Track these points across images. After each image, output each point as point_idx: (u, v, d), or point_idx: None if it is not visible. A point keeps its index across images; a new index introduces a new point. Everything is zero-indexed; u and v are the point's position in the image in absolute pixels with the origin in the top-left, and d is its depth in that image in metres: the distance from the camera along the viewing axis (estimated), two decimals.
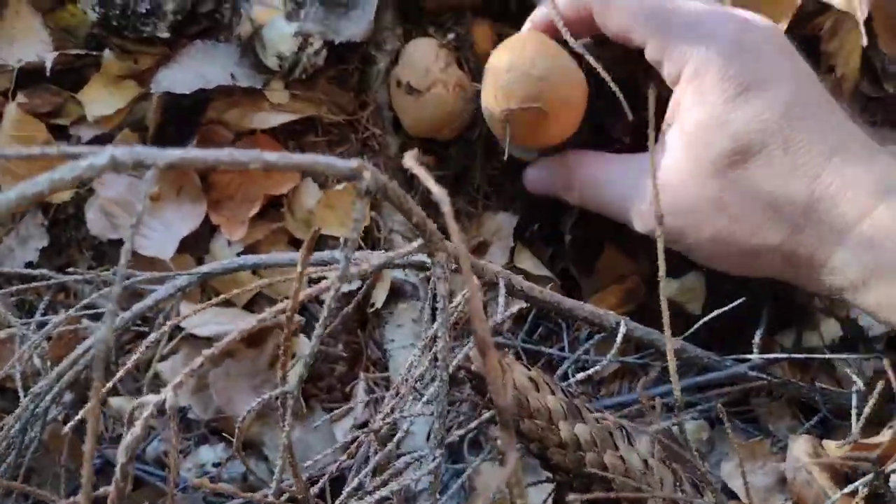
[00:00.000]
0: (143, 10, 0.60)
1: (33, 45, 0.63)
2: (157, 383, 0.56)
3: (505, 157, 0.53)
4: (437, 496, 0.32)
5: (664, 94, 0.50)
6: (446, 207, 0.23)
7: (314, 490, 0.37)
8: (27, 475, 0.50)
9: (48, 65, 0.60)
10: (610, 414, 0.44)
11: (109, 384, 0.37)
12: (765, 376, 0.55)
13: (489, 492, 0.45)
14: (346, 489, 0.38)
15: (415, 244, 0.33)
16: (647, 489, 0.40)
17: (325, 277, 0.57)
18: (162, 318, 0.49)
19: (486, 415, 0.41)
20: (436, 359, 0.40)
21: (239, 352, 0.60)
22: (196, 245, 0.61)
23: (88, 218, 0.61)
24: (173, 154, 0.23)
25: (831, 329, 0.59)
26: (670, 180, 0.49)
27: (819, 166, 0.45)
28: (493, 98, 0.52)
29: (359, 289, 0.56)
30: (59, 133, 0.62)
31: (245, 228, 0.61)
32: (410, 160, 0.27)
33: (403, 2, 0.64)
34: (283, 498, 0.35)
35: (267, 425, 0.56)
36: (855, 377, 0.50)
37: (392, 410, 0.38)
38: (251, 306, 0.62)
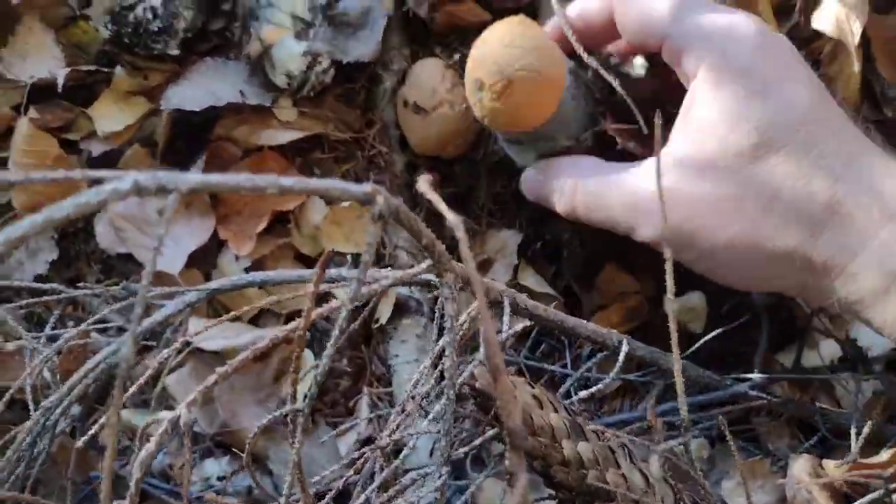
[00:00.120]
0: (156, 28, 0.61)
1: (46, 61, 0.64)
2: (163, 395, 0.57)
3: (485, 125, 0.52)
4: None
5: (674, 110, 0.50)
6: (460, 234, 0.24)
7: None
8: (34, 487, 0.50)
9: (60, 81, 0.61)
10: (612, 432, 0.44)
11: (121, 399, 0.37)
12: (765, 395, 0.55)
13: None
14: None
15: (423, 265, 0.33)
16: None
17: (331, 293, 0.57)
18: (170, 332, 0.50)
19: (491, 432, 0.41)
20: (442, 377, 0.40)
21: (244, 366, 0.60)
22: (204, 259, 0.62)
23: (97, 232, 0.62)
24: (194, 179, 0.23)
25: (831, 349, 0.60)
26: (684, 179, 0.46)
27: (841, 168, 0.44)
28: (468, 73, 0.52)
29: (365, 305, 0.57)
30: (70, 148, 0.63)
31: (253, 243, 0.61)
32: (424, 185, 0.28)
33: (410, 23, 0.65)
34: None
35: (272, 440, 0.57)
36: (854, 397, 0.50)
37: (398, 427, 0.39)
38: (256, 320, 0.62)
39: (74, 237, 0.64)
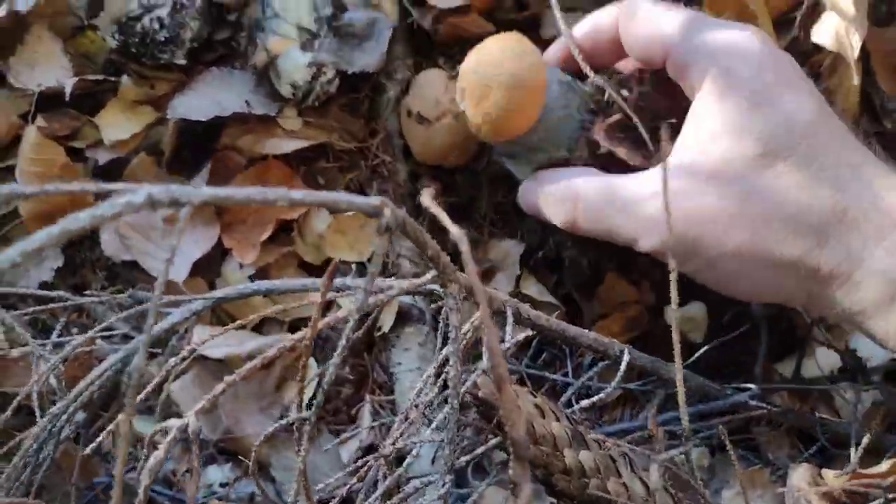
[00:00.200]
0: (162, 38, 0.62)
1: (54, 70, 0.64)
2: (166, 402, 0.57)
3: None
4: None
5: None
6: (464, 247, 0.25)
7: None
8: (38, 492, 0.51)
9: (68, 90, 0.62)
10: (612, 441, 0.45)
11: (133, 408, 0.38)
12: (765, 405, 0.55)
13: None
14: None
15: (429, 276, 0.34)
16: None
17: (335, 302, 0.58)
18: (175, 339, 0.50)
19: (493, 441, 0.42)
20: (445, 386, 0.41)
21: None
22: (208, 268, 0.62)
23: (103, 239, 0.62)
24: (207, 192, 0.24)
25: (830, 360, 0.60)
26: (689, 188, 0.46)
27: (847, 177, 0.44)
28: (457, 85, 0.54)
29: (368, 314, 0.57)
30: (77, 156, 0.64)
31: (257, 252, 0.62)
32: (427, 198, 0.28)
33: (414, 34, 0.66)
34: None
35: (274, 447, 0.57)
36: (853, 408, 0.51)
37: (402, 434, 0.39)
38: (259, 328, 0.63)
39: (80, 244, 0.64)
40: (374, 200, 0.27)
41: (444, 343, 0.41)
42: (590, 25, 0.54)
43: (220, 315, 0.62)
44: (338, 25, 0.61)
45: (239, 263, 0.62)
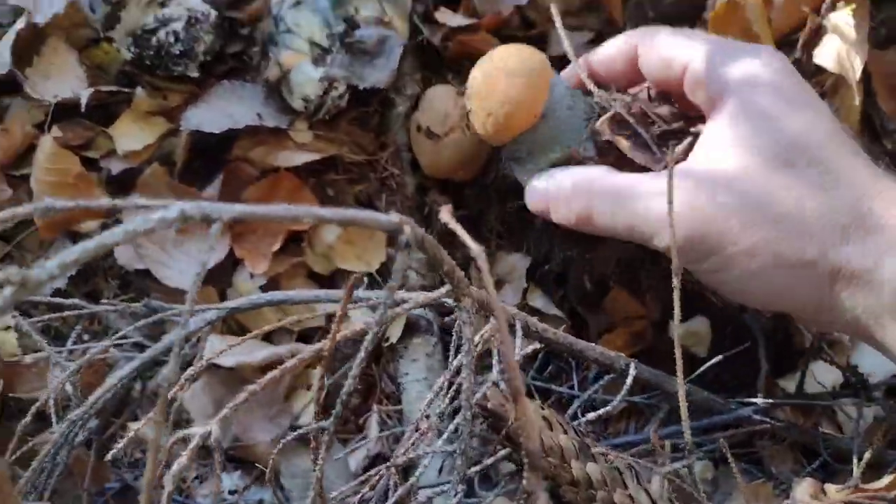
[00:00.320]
0: (177, 52, 0.63)
1: (69, 81, 0.65)
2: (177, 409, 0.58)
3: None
4: None
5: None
6: (482, 263, 0.26)
7: None
8: (50, 497, 0.51)
9: (84, 101, 0.63)
10: (618, 453, 0.45)
11: (163, 417, 0.38)
12: (768, 420, 0.56)
13: None
14: None
15: (443, 290, 0.35)
16: None
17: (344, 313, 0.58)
18: (188, 348, 0.51)
19: (502, 452, 0.43)
20: (454, 397, 0.41)
21: (256, 382, 0.61)
22: (219, 277, 0.63)
23: (116, 248, 0.63)
24: (237, 209, 0.25)
25: (833, 375, 0.61)
26: (706, 187, 0.46)
27: (866, 184, 0.45)
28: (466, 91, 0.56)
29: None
30: (90, 166, 0.65)
31: (268, 262, 0.63)
32: (446, 215, 0.29)
33: (424, 50, 0.67)
34: None
35: (284, 455, 0.58)
36: (855, 423, 0.51)
37: (412, 444, 0.40)
38: (269, 337, 0.64)
39: None
40: (394, 218, 0.28)
41: (456, 354, 0.42)
42: (605, 52, 0.55)
43: (230, 324, 0.63)
44: (349, 42, 0.63)
45: (250, 273, 0.63)
